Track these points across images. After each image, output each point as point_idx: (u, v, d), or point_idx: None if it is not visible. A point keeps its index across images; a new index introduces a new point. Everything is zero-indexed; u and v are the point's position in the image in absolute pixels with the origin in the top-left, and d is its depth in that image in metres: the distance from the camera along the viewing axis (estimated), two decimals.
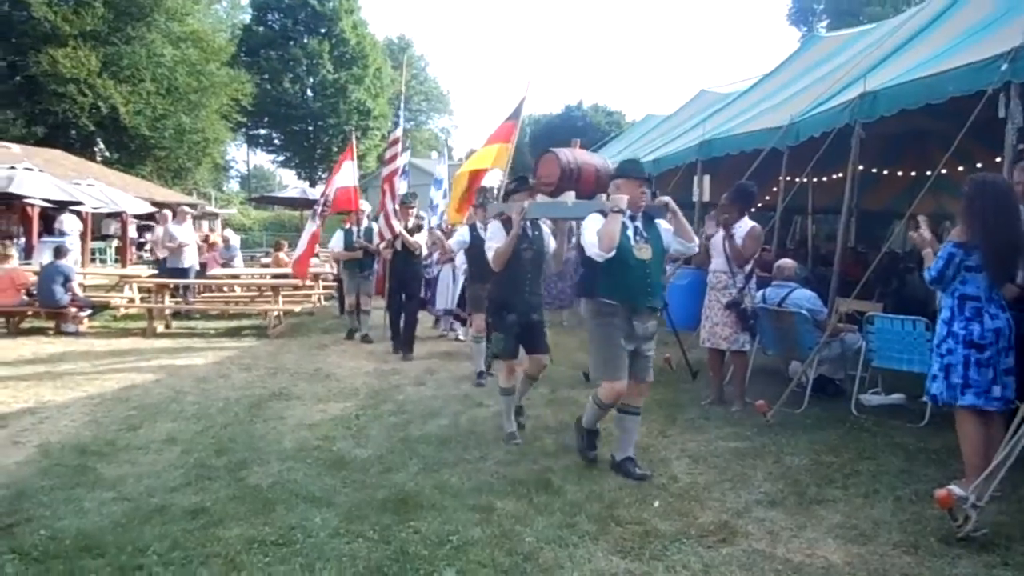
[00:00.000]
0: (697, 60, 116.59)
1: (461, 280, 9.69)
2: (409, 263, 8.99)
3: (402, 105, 11.23)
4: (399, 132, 10.27)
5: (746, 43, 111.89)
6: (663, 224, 4.77)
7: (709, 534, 3.84)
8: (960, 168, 9.34)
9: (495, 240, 5.37)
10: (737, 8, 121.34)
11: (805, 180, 10.51)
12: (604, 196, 5.01)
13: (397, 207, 9.12)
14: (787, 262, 7.13)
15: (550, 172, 5.22)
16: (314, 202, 12.54)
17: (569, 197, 5.22)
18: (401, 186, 10.91)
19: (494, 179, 9.26)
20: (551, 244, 5.59)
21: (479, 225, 7.24)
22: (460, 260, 9.09)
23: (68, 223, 15.46)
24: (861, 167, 8.19)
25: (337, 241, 10.36)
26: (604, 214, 4.53)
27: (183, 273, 12.15)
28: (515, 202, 5.36)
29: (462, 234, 7.49)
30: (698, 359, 7.30)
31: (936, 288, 4.38)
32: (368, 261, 10.21)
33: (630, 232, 4.56)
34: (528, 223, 5.33)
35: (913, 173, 12.59)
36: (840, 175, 10.02)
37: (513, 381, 5.50)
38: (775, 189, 9.60)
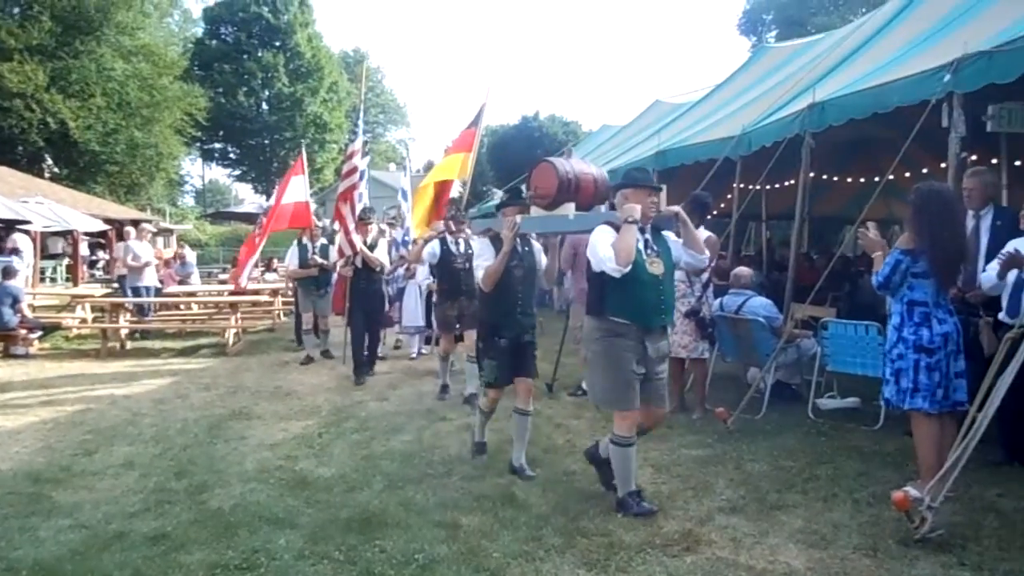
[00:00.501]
0: (651, 70, 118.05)
1: (424, 295, 9.34)
2: (370, 281, 8.61)
3: (360, 117, 10.47)
4: (357, 144, 9.65)
5: (698, 53, 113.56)
6: (671, 236, 4.49)
7: (673, 543, 3.88)
8: (908, 175, 9.59)
9: (484, 258, 5.01)
10: (688, 18, 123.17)
11: (759, 188, 10.69)
12: (601, 208, 4.88)
13: (355, 223, 8.73)
14: (743, 270, 7.25)
15: (546, 183, 4.81)
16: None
17: (568, 210, 4.82)
18: (364, 195, 10.41)
19: (453, 190, 9.22)
20: (542, 260, 5.24)
21: (450, 239, 7.02)
22: (422, 275, 8.75)
23: (21, 242, 15.05)
24: (812, 175, 8.36)
25: (292, 258, 9.91)
26: (614, 226, 4.23)
27: (143, 292, 12.00)
28: (506, 216, 5.03)
29: (431, 247, 7.05)
30: None
31: (883, 293, 4.48)
32: (324, 278, 9.74)
33: (641, 245, 4.22)
34: (518, 239, 4.99)
35: (863, 180, 12.86)
36: (792, 182, 10.19)
37: (495, 406, 5.25)
38: (729, 197, 9.75)
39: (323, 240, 9.94)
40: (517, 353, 5.05)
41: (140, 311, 12.31)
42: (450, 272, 7.04)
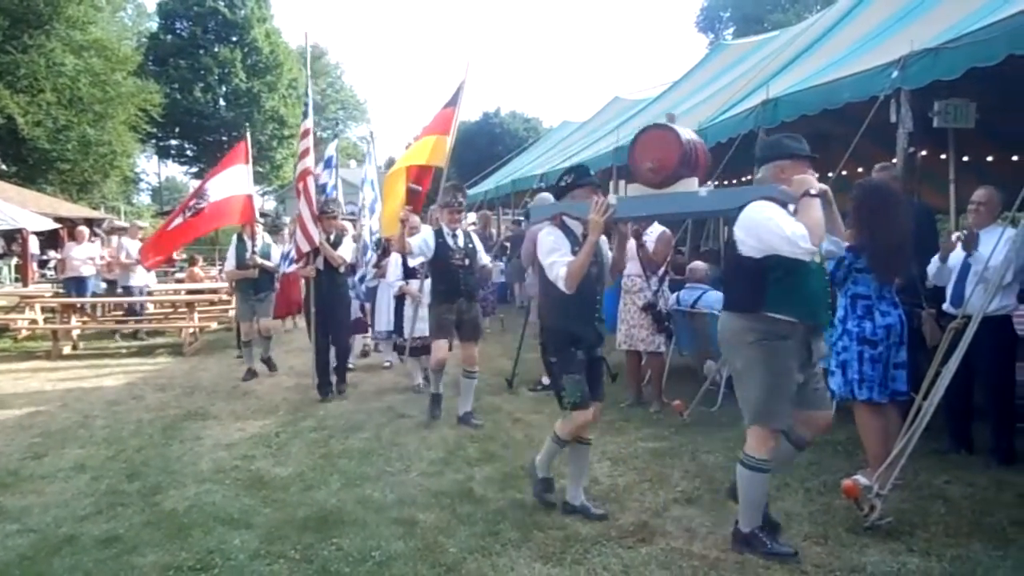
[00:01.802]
0: (610, 66, 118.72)
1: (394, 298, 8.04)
2: (335, 283, 7.47)
3: (308, 86, 8.71)
4: (309, 122, 8.13)
5: (657, 50, 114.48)
6: None
7: (629, 535, 3.92)
8: (860, 169, 9.77)
9: (559, 252, 4.02)
10: (648, 16, 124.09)
11: (715, 185, 10.81)
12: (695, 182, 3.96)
13: (314, 212, 7.40)
14: (699, 265, 7.34)
15: (666, 155, 3.88)
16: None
17: (688, 185, 3.91)
18: (337, 186, 9.48)
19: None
20: (608, 253, 4.39)
21: (447, 230, 6.21)
22: (394, 275, 7.70)
23: None
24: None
25: (229, 258, 8.68)
26: (778, 202, 3.54)
27: (135, 292, 11.92)
28: (576, 199, 4.20)
29: (425, 238, 6.20)
30: (616, 362, 7.42)
31: (838, 290, 4.58)
32: (265, 281, 8.59)
33: None
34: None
35: (816, 175, 13.06)
36: (749, 177, 10.33)
37: (587, 432, 4.26)
38: None
39: (264, 236, 8.86)
40: (592, 369, 4.22)
41: (132, 311, 12.36)
42: (447, 269, 6.18)
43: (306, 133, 7.99)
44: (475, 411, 6.33)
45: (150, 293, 12.75)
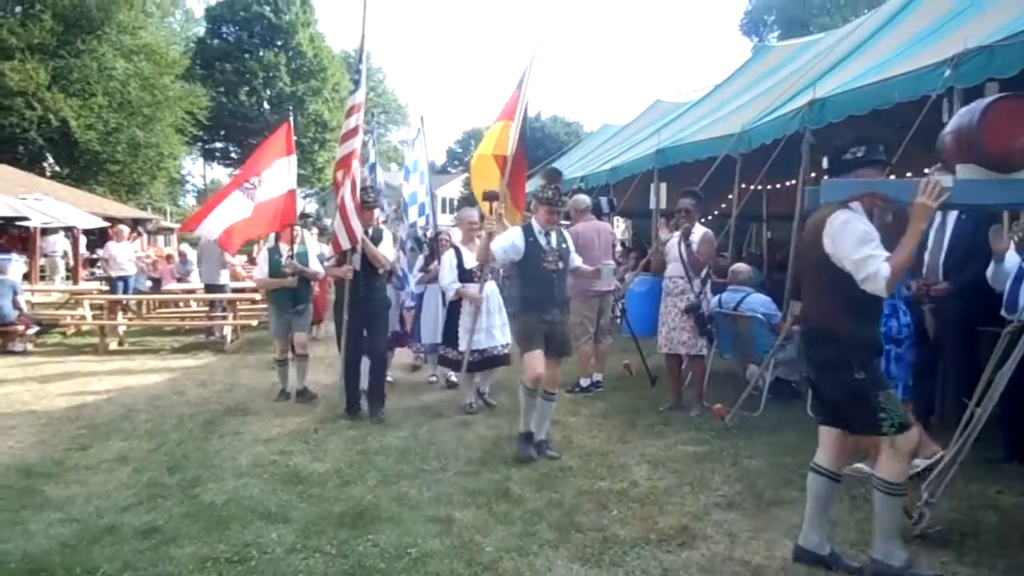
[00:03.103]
0: (652, 70, 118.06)
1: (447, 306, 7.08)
2: (373, 286, 6.53)
3: (363, 58, 6.92)
4: (359, 96, 6.72)
5: (699, 53, 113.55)
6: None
7: (669, 538, 3.85)
8: (909, 174, 9.55)
9: (873, 243, 3.25)
10: (690, 19, 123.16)
11: (759, 188, 10.66)
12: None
13: (358, 202, 6.38)
14: (741, 266, 7.22)
15: None
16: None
17: None
18: (375, 170, 8.13)
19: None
20: None
21: (537, 227, 5.34)
22: (448, 278, 6.67)
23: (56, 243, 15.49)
24: (813, 174, 8.33)
25: (261, 262, 7.57)
26: None
27: (222, 289, 11.76)
28: (867, 176, 3.46)
29: (513, 240, 5.26)
30: (657, 365, 7.35)
31: None
32: (303, 291, 7.40)
33: None
34: None
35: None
36: (793, 182, 10.16)
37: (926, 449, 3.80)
38: (730, 196, 9.72)
39: (307, 237, 7.93)
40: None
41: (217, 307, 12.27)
42: (538, 274, 5.27)
43: (354, 109, 6.68)
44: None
45: (153, 290, 12.89)
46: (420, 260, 7.80)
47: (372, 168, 8.41)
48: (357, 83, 6.76)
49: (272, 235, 7.46)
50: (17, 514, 4.27)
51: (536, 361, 5.16)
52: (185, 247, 17.50)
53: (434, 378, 7.91)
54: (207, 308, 12.54)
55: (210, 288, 11.77)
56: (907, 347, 4.31)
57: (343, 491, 4.60)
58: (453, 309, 6.83)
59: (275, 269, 7.20)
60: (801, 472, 4.75)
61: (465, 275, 6.61)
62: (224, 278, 11.77)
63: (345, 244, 6.33)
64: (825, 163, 3.51)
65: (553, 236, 5.36)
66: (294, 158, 7.56)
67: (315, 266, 7.52)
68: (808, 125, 6.72)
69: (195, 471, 5.01)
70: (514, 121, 6.47)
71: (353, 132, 6.54)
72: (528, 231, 5.30)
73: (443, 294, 7.09)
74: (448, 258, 6.77)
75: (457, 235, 7.29)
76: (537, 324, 5.20)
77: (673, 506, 4.30)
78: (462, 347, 6.50)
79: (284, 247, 7.31)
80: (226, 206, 7.12)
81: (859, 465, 4.50)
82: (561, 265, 5.35)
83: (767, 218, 15.04)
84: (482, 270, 6.34)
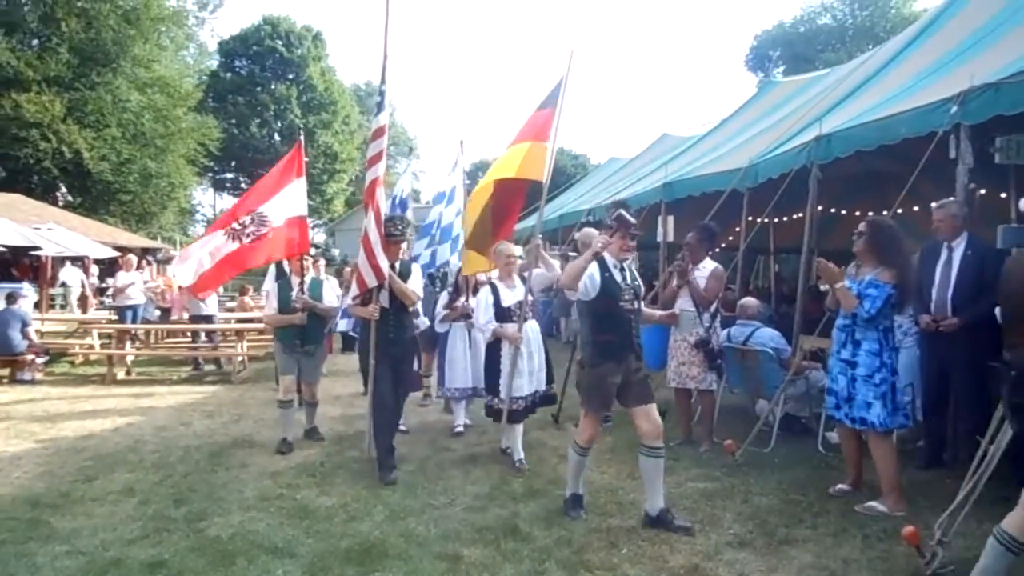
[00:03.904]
0: (659, 105, 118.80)
1: (480, 349, 6.49)
2: (403, 324, 5.94)
3: (385, 77, 6.03)
4: (384, 118, 6.05)
5: (705, 88, 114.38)
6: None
7: None
8: (916, 208, 9.55)
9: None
10: (696, 54, 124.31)
11: (766, 221, 10.67)
12: None
13: (383, 235, 5.74)
14: (750, 301, 7.21)
15: None
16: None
17: None
18: (406, 198, 7.69)
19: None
20: None
21: (610, 261, 4.55)
22: (484, 317, 5.99)
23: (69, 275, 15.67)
24: (820, 208, 8.34)
25: (270, 297, 6.87)
26: None
27: (208, 319, 11.87)
28: None
29: (591, 273, 4.44)
30: (665, 399, 7.29)
31: (870, 324, 4.68)
32: (314, 328, 6.78)
33: None
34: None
35: (871, 213, 12.80)
36: (800, 215, 10.17)
37: None
38: (738, 230, 9.73)
39: (316, 269, 7.28)
40: None
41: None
42: (615, 315, 4.51)
43: (380, 132, 6.02)
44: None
45: (161, 320, 12.94)
46: (444, 297, 7.28)
47: (403, 204, 8.22)
48: (381, 105, 6.11)
49: (273, 266, 6.92)
50: (24, 546, 4.25)
51: (592, 427, 4.65)
52: None
53: (459, 427, 7.04)
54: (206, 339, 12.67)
55: (195, 319, 11.85)
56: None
57: (350, 526, 4.56)
58: (492, 352, 6.11)
59: (285, 304, 6.61)
60: (814, 510, 4.74)
61: (502, 314, 5.96)
62: (211, 307, 11.78)
63: (371, 282, 5.70)
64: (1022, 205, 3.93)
65: (627, 271, 4.65)
66: (303, 181, 7.08)
67: (330, 300, 6.94)
68: (815, 160, 6.75)
69: (201, 504, 4.99)
70: (548, 142, 5.95)
71: (377, 158, 5.95)
72: (603, 265, 4.50)
73: (469, 333, 6.82)
74: (484, 295, 6.11)
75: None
76: (611, 376, 4.48)
77: (684, 544, 4.25)
78: (503, 394, 5.90)
79: (295, 279, 6.74)
80: (204, 250, 6.69)
81: (872, 504, 4.47)
82: (637, 305, 4.65)
83: (774, 251, 15.04)
84: (520, 307, 5.90)
